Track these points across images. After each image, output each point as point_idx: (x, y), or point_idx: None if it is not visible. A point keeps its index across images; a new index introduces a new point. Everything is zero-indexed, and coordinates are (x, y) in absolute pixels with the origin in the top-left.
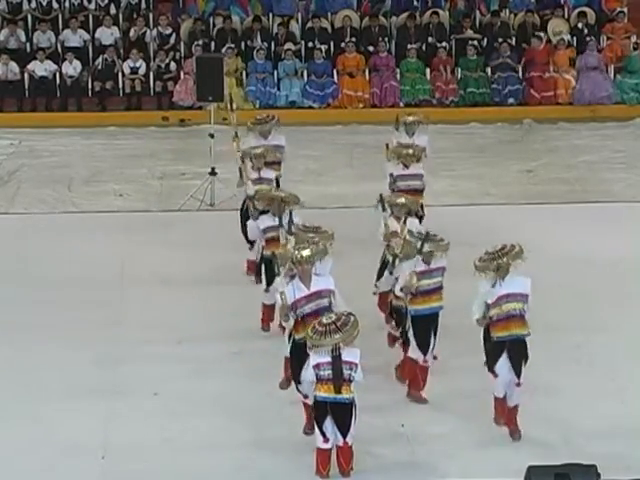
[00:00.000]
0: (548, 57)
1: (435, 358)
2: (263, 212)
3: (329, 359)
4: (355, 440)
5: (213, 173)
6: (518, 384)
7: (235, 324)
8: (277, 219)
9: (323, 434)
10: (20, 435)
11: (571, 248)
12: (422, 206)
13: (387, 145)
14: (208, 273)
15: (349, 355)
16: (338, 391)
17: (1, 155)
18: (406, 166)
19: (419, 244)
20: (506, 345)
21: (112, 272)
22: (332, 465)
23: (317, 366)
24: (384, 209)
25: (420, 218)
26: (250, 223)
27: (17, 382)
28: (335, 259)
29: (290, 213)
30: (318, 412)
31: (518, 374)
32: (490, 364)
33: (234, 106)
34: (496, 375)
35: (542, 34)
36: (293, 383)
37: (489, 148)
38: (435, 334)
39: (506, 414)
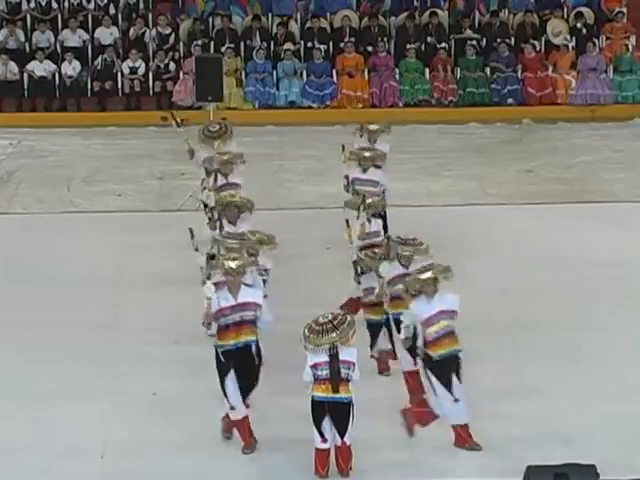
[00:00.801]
0: (540, 62)
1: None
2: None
3: (326, 359)
4: (353, 440)
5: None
6: (456, 400)
7: None
8: (234, 225)
9: (321, 434)
10: (19, 435)
11: (570, 248)
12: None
13: (343, 146)
14: None
15: (346, 354)
16: (336, 390)
17: (0, 155)
18: (364, 170)
19: (398, 248)
20: (446, 362)
21: (111, 272)
22: (331, 465)
23: (314, 366)
24: (364, 209)
25: (384, 219)
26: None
27: (15, 382)
28: (333, 257)
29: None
30: (316, 412)
31: (451, 390)
32: (445, 382)
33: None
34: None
35: (535, 42)
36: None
37: (488, 148)
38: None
39: (457, 432)
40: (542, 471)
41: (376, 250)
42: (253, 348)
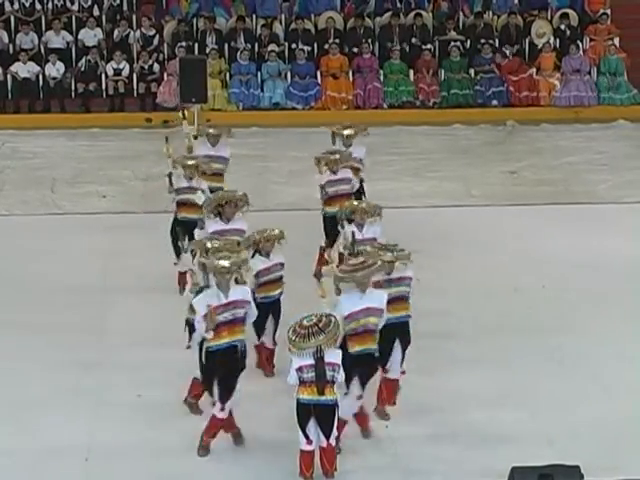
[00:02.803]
0: (519, 65)
1: (403, 373)
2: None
3: (312, 361)
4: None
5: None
6: (360, 397)
7: None
8: (227, 222)
9: (306, 436)
10: (3, 437)
11: (554, 249)
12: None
13: (319, 159)
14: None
15: (331, 356)
16: (321, 393)
17: None
18: (334, 172)
19: (380, 254)
20: (360, 359)
21: (95, 274)
22: (315, 466)
23: (300, 369)
24: (347, 219)
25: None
26: (197, 232)
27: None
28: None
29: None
30: (301, 414)
31: (363, 387)
32: (347, 380)
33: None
34: (347, 393)
35: (507, 51)
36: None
37: (472, 149)
38: (403, 345)
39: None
40: (526, 472)
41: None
42: (239, 348)
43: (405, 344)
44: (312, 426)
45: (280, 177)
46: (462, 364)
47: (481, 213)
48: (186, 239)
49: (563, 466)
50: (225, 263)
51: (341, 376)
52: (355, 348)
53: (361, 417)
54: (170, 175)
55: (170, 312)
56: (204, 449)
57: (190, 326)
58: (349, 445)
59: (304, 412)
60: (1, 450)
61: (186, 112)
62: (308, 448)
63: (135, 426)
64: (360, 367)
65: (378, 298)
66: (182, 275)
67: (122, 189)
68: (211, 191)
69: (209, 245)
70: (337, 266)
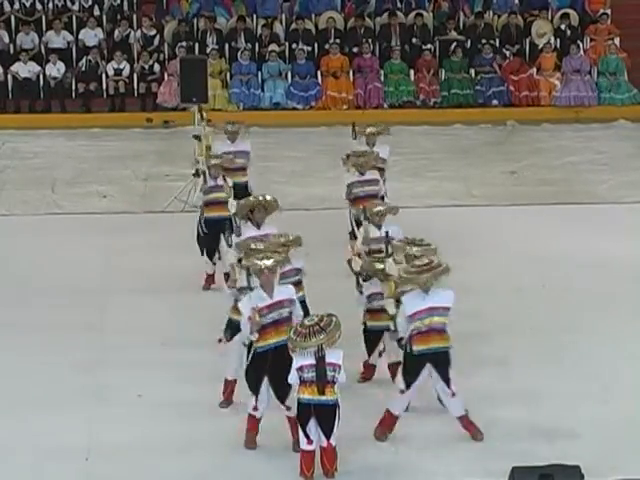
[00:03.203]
0: (520, 64)
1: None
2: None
3: (313, 361)
4: (339, 441)
5: (197, 174)
6: (453, 394)
7: (219, 327)
8: (258, 228)
9: (307, 436)
10: (3, 437)
11: (555, 249)
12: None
13: (348, 156)
14: (192, 275)
15: (332, 356)
16: (322, 392)
17: None
18: (361, 173)
19: (407, 248)
20: (427, 358)
21: (95, 274)
22: (316, 466)
23: (300, 369)
24: (366, 218)
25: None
26: (235, 239)
27: (0, 385)
28: (320, 260)
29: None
30: (302, 414)
31: (447, 383)
32: (407, 379)
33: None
34: (403, 391)
35: (507, 52)
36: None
37: (473, 149)
38: None
39: (461, 423)
40: (527, 472)
41: (378, 255)
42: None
43: None
44: (313, 426)
45: (280, 177)
46: (462, 364)
47: (481, 213)
48: (229, 235)
49: (563, 466)
50: (268, 263)
51: (342, 377)
52: (419, 347)
53: (466, 421)
54: (204, 173)
55: (171, 311)
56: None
57: (234, 327)
58: (349, 445)
59: (304, 412)
60: (1, 450)
61: (204, 113)
62: (309, 448)
63: (135, 426)
64: (430, 364)
65: (444, 297)
66: (210, 277)
67: (122, 189)
68: (235, 186)
69: (253, 246)
70: (359, 257)
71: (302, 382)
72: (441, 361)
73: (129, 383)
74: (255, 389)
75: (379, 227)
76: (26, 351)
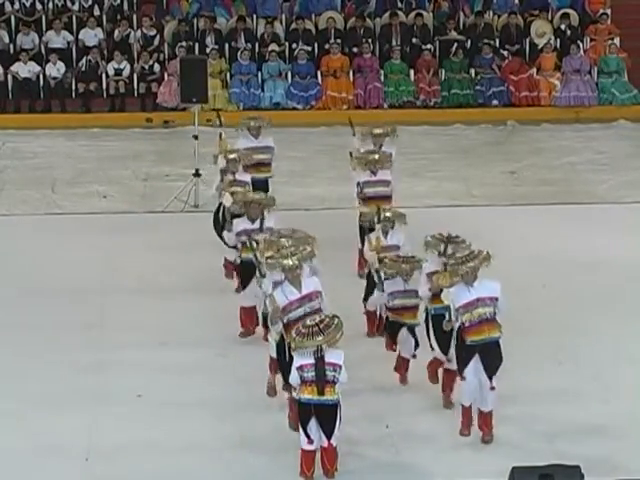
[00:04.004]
0: (520, 64)
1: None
2: (237, 216)
3: (312, 361)
4: (339, 441)
5: (197, 174)
6: (492, 387)
7: (219, 327)
8: (252, 222)
9: (307, 435)
10: (3, 437)
11: (554, 249)
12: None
13: (351, 154)
14: (192, 275)
15: (332, 357)
16: (321, 393)
17: None
18: (373, 173)
19: (442, 246)
20: (477, 349)
21: (96, 274)
22: (316, 466)
23: (300, 368)
24: (379, 221)
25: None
26: (226, 233)
27: (0, 385)
28: (319, 260)
29: None
30: (302, 414)
31: (490, 377)
32: (460, 368)
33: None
34: (464, 378)
35: (505, 53)
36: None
37: (473, 149)
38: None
39: (481, 419)
40: (526, 472)
41: (399, 255)
42: None
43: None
44: (313, 426)
45: (280, 177)
46: None
47: (481, 213)
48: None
49: (563, 466)
50: (290, 262)
51: (343, 377)
52: (472, 338)
53: (488, 419)
54: (222, 171)
55: (172, 311)
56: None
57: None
58: (349, 445)
59: (305, 412)
60: (1, 450)
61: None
62: (309, 447)
63: (135, 426)
64: (480, 356)
65: (489, 287)
66: (229, 263)
67: (122, 189)
68: (254, 183)
69: (274, 242)
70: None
71: (302, 382)
72: (491, 352)
73: (129, 383)
74: (286, 377)
75: (386, 234)
76: (26, 351)
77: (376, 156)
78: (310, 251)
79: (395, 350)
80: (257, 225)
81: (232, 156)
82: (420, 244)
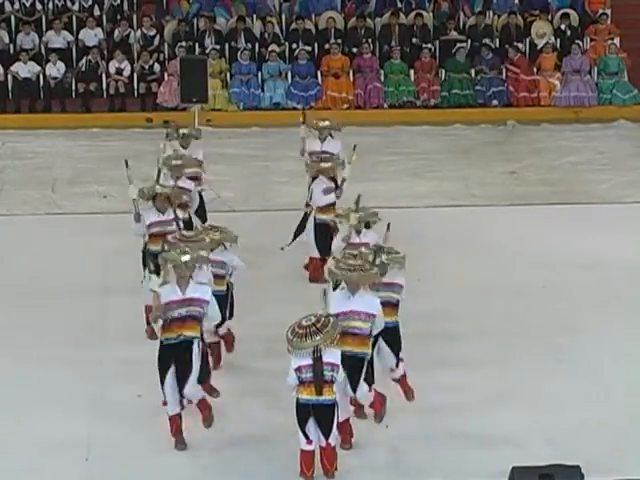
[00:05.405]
0: (526, 64)
1: (404, 376)
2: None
3: (310, 361)
4: (338, 441)
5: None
6: (351, 400)
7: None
8: (161, 215)
9: (306, 436)
10: (3, 437)
11: (554, 249)
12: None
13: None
14: None
15: (330, 356)
16: (319, 393)
17: None
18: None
19: (371, 256)
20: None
21: (95, 274)
22: (316, 466)
23: (298, 369)
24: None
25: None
26: (134, 224)
27: (0, 385)
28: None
29: None
30: (300, 414)
31: (354, 388)
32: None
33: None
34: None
35: (520, 45)
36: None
37: (473, 149)
38: (393, 349)
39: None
40: (527, 472)
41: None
42: (195, 346)
43: (395, 349)
44: (311, 426)
45: (280, 177)
46: (462, 364)
47: (481, 213)
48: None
49: (563, 466)
50: (184, 258)
51: (340, 376)
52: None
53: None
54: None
55: None
56: (178, 444)
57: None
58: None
59: (303, 412)
60: (1, 449)
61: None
62: (308, 448)
63: (135, 426)
64: (345, 367)
65: (368, 302)
66: None
67: (122, 189)
68: None
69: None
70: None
71: (301, 382)
72: (350, 366)
73: (129, 383)
74: (161, 382)
75: (358, 233)
76: (26, 351)
77: (329, 163)
78: (204, 257)
79: None
80: (168, 217)
81: (176, 162)
82: (420, 244)
